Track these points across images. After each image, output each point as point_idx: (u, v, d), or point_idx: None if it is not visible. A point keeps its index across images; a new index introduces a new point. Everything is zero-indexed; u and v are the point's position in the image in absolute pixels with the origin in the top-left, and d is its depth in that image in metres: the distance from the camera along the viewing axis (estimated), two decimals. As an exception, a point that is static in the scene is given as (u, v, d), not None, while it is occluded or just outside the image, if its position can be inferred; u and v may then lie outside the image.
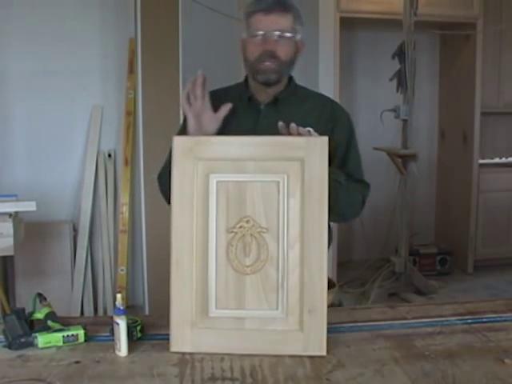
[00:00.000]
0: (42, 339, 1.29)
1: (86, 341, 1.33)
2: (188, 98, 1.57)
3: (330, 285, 1.56)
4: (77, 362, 1.23)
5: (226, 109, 1.58)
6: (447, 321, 1.45)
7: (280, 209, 1.31)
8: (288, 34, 1.56)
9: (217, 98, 1.59)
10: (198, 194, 1.31)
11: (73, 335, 1.32)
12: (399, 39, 3.93)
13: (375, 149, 4.11)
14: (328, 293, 1.30)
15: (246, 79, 1.70)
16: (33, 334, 1.30)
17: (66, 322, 1.37)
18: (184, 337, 1.29)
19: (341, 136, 1.65)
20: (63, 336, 1.31)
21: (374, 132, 4.37)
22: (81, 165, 3.68)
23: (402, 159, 4.04)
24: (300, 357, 1.25)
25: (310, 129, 1.47)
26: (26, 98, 3.57)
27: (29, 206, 2.61)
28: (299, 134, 1.42)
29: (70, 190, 3.70)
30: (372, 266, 4.40)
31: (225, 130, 1.58)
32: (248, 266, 1.30)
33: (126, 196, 3.66)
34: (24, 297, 3.37)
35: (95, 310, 3.66)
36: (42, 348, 1.29)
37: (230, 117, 1.59)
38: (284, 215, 1.30)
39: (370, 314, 1.52)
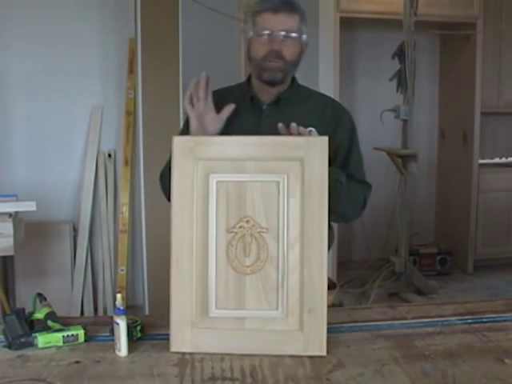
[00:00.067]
0: (41, 339, 1.29)
1: (86, 341, 1.33)
2: (191, 99, 1.56)
3: (331, 285, 1.56)
4: (77, 362, 1.23)
5: (228, 109, 1.58)
6: (447, 321, 1.45)
7: (280, 209, 1.30)
8: (294, 35, 1.56)
9: (219, 98, 1.59)
10: (197, 194, 1.31)
11: (73, 335, 1.32)
12: (399, 39, 3.93)
13: (375, 149, 4.10)
14: (329, 293, 1.30)
15: (249, 79, 1.70)
16: (33, 334, 1.30)
17: (66, 322, 1.37)
18: (184, 337, 1.29)
19: (343, 136, 1.65)
20: (63, 336, 1.31)
21: (374, 132, 4.37)
22: (81, 165, 3.68)
23: (402, 159, 4.04)
24: (300, 357, 1.25)
25: (312, 129, 1.47)
26: (26, 98, 3.57)
27: (29, 206, 2.61)
28: (299, 134, 1.42)
29: (70, 189, 3.70)
30: (372, 266, 4.40)
31: (227, 130, 1.58)
32: (248, 266, 1.30)
33: (126, 196, 3.66)
34: (24, 297, 3.37)
35: (95, 309, 3.66)
36: (42, 348, 1.29)
37: (232, 117, 1.59)
38: (284, 215, 1.30)
39: (370, 313, 1.52)
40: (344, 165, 1.64)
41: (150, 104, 3.22)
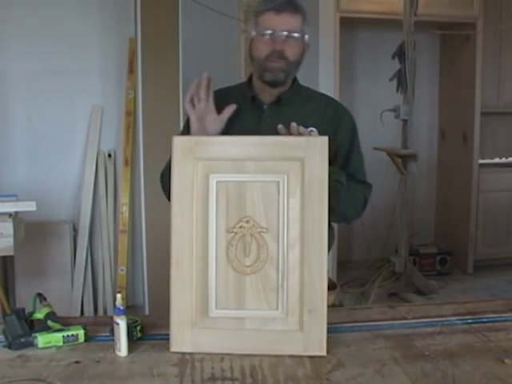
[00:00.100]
0: (42, 339, 1.29)
1: (86, 341, 1.33)
2: (192, 100, 1.56)
3: (332, 286, 1.56)
4: (77, 362, 1.23)
5: (229, 110, 1.58)
6: (447, 321, 1.45)
7: (280, 209, 1.30)
8: (297, 35, 1.55)
9: (220, 98, 1.59)
10: (197, 194, 1.31)
11: (73, 335, 1.32)
12: (399, 39, 3.93)
13: (375, 149, 4.10)
14: (329, 294, 1.30)
15: (249, 79, 1.70)
16: (33, 334, 1.30)
17: (66, 322, 1.37)
18: (184, 337, 1.29)
19: (344, 136, 1.65)
20: (63, 336, 1.31)
21: (374, 132, 4.37)
22: (81, 165, 3.68)
23: (402, 159, 4.04)
24: (300, 357, 1.25)
25: (313, 129, 1.47)
26: (26, 98, 3.57)
27: (29, 206, 2.61)
28: (299, 134, 1.42)
29: (70, 189, 3.70)
30: (372, 266, 4.40)
31: (228, 130, 1.57)
32: (248, 266, 1.30)
33: (126, 196, 3.66)
34: (24, 297, 3.37)
35: (95, 309, 3.66)
36: (42, 348, 1.29)
37: (233, 117, 1.58)
38: (284, 215, 1.30)
39: (370, 313, 1.52)
40: (345, 165, 1.64)
41: (150, 104, 3.22)
